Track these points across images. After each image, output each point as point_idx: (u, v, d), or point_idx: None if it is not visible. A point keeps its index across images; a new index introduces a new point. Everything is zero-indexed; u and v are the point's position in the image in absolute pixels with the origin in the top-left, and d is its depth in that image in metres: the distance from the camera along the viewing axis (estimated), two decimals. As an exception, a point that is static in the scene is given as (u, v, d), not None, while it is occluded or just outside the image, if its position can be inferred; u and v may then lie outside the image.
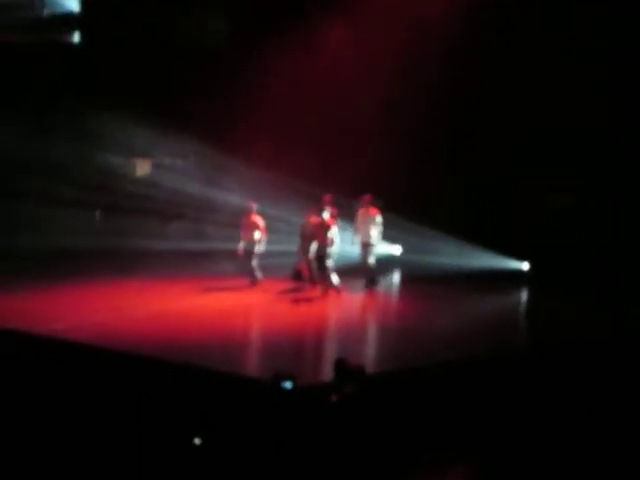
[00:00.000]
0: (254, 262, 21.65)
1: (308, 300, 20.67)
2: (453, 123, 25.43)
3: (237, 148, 26.01)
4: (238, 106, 26.41)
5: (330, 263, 20.99)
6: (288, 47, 26.25)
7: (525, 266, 24.86)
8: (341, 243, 21.52)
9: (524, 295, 23.37)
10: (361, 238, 21.82)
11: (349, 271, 22.14)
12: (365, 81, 26.18)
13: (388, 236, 25.93)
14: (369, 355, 14.83)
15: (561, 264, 23.12)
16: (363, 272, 22.07)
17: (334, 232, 20.93)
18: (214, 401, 12.08)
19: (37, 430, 10.36)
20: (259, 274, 21.84)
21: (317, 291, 21.08)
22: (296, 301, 20.47)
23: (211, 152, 26.22)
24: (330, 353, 16.56)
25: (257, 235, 21.43)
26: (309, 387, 12.44)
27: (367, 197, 21.96)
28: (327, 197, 21.75)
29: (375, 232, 21.76)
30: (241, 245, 21.45)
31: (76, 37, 28.09)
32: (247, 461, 9.57)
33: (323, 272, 20.99)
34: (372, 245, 21.83)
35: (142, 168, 29.83)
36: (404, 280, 25.31)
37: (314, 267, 21.26)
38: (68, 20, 27.93)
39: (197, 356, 15.46)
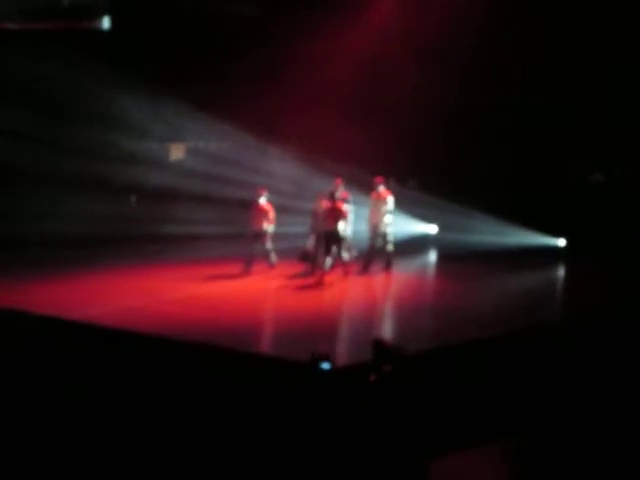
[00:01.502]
0: (268, 245, 21.30)
1: (335, 282, 20.64)
2: (488, 101, 25.28)
3: (274, 129, 25.98)
4: (275, 86, 26.31)
5: (341, 246, 20.71)
6: (328, 22, 26.09)
7: (561, 242, 24.76)
8: (353, 226, 21.39)
9: (560, 272, 23.28)
10: (372, 221, 21.61)
11: (363, 254, 21.89)
12: (403, 57, 25.98)
13: (424, 215, 25.97)
14: (406, 334, 14.78)
15: (597, 240, 23.03)
16: (373, 256, 21.79)
17: (344, 216, 20.66)
18: (253, 384, 12.16)
19: (75, 415, 10.46)
20: (273, 257, 21.53)
21: (318, 276, 20.72)
22: (323, 284, 20.34)
23: (247, 135, 26.16)
24: (365, 333, 16.60)
25: (265, 224, 21.13)
26: (347, 367, 12.51)
27: (378, 179, 21.72)
28: (338, 180, 21.62)
29: (387, 215, 21.55)
30: (249, 232, 21.21)
31: (106, 23, 28.07)
32: (288, 443, 9.63)
33: (334, 255, 20.68)
34: (384, 228, 21.58)
35: (176, 153, 29.93)
36: (440, 258, 25.25)
37: (322, 250, 20.86)
38: (97, 5, 27.88)
39: (230, 339, 15.57)
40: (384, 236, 21.59)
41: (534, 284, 20.72)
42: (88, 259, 22.63)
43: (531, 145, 24.84)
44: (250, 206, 21.46)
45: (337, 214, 20.48)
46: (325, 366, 11.40)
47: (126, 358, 13.70)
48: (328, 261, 20.56)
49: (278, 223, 22.23)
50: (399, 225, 25.65)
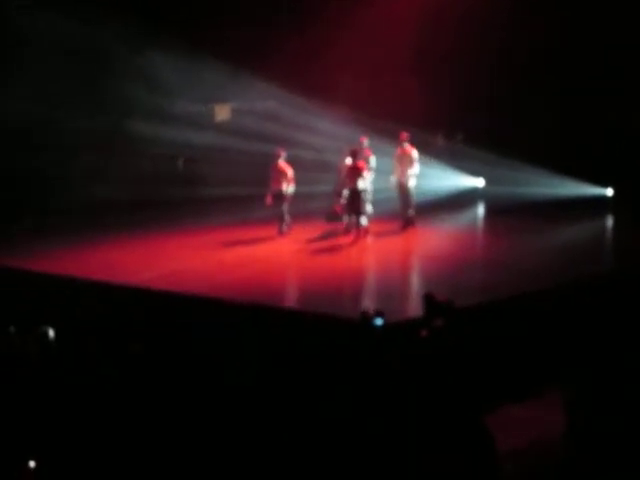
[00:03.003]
0: (284, 207, 21.05)
1: (381, 239, 20.71)
2: (532, 52, 25.08)
3: (319, 87, 25.92)
4: (318, 44, 26.20)
5: (364, 205, 20.60)
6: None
7: (609, 192, 24.61)
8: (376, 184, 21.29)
9: (609, 222, 23.14)
10: (398, 177, 21.40)
11: (387, 212, 21.79)
12: (445, 7, 25.80)
13: (471, 169, 25.91)
14: (455, 289, 14.79)
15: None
16: (401, 211, 21.62)
17: (365, 175, 20.51)
18: (307, 342, 12.32)
19: (130, 377, 10.64)
20: (287, 220, 21.25)
21: (349, 233, 20.72)
22: (364, 240, 20.37)
23: (292, 94, 26.09)
24: (414, 289, 16.72)
25: (285, 185, 20.94)
26: (399, 323, 12.63)
27: (403, 135, 21.48)
28: (361, 138, 21.50)
29: (412, 171, 21.28)
30: (270, 193, 20.99)
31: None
32: (343, 399, 9.77)
33: (355, 214, 20.54)
34: (409, 184, 21.33)
35: (221, 113, 29.98)
36: (487, 212, 25.19)
37: (347, 209, 20.80)
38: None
39: (283, 299, 15.77)
40: (406, 195, 21.41)
41: (583, 235, 20.59)
42: (135, 223, 22.81)
43: (579, 94, 24.60)
44: (270, 167, 21.35)
45: (357, 172, 20.39)
46: (378, 322, 11.54)
47: (181, 320, 13.96)
48: (363, 219, 20.50)
49: (325, 182, 22.32)
50: (446, 179, 25.68)
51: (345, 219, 20.97)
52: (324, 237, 21.01)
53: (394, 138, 21.82)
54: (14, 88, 24.73)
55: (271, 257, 19.31)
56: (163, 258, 19.13)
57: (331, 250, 19.86)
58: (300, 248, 20.10)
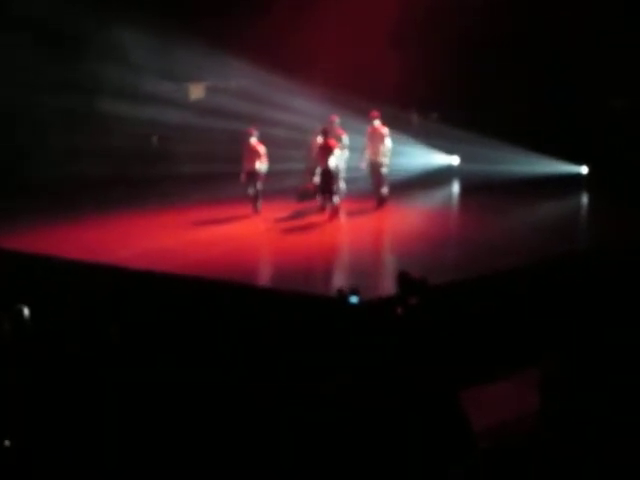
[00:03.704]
0: (258, 185, 20.93)
1: (348, 220, 20.72)
2: (507, 26, 25.08)
3: (293, 65, 25.85)
4: (291, 21, 26.11)
5: (337, 184, 20.53)
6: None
7: (584, 170, 24.71)
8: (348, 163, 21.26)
9: (584, 200, 23.24)
10: (370, 156, 21.23)
11: (361, 190, 21.73)
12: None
13: (445, 147, 25.95)
14: (429, 267, 14.82)
15: (619, 167, 22.98)
16: (374, 191, 21.48)
17: (336, 154, 20.40)
18: (282, 320, 12.34)
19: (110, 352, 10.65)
20: (259, 201, 21.13)
21: (322, 212, 20.62)
22: (339, 219, 20.39)
23: (265, 72, 26.02)
24: (388, 267, 16.75)
25: (258, 164, 20.81)
26: (374, 301, 12.67)
27: (374, 113, 21.32)
28: (332, 117, 21.47)
29: (384, 149, 21.11)
30: (244, 172, 20.87)
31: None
32: (318, 377, 9.81)
33: (327, 193, 20.45)
34: (382, 163, 21.17)
35: (195, 92, 29.90)
36: (462, 190, 25.25)
37: (319, 188, 20.62)
38: None
39: (258, 277, 15.77)
40: (379, 174, 21.27)
41: (557, 213, 20.67)
42: (109, 201, 22.66)
43: (551, 72, 24.68)
44: (241, 146, 21.26)
45: (328, 151, 20.30)
46: (353, 300, 11.58)
47: (157, 299, 13.95)
48: (335, 198, 20.42)
49: (299, 160, 22.27)
50: (420, 157, 25.72)
51: (318, 198, 20.85)
52: (297, 216, 20.93)
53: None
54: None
55: (245, 235, 19.31)
56: (137, 237, 19.09)
57: (304, 229, 19.83)
58: (273, 227, 20.09)
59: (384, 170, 21.30)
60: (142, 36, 26.31)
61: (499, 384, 9.21)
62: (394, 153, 21.63)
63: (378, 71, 25.49)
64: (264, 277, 16.85)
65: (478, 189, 23.39)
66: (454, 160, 26.53)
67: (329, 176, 20.30)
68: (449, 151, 26.23)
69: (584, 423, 8.64)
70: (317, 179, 20.53)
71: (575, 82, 24.44)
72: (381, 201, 21.46)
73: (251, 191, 20.97)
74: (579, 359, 9.54)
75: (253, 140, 21.03)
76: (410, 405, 8.83)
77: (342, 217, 20.54)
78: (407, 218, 20.93)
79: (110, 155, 26.09)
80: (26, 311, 11.04)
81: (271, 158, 21.13)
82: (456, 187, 25.55)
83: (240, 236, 19.16)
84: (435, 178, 25.13)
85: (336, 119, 21.44)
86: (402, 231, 19.51)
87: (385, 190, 21.48)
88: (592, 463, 8.27)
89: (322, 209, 20.70)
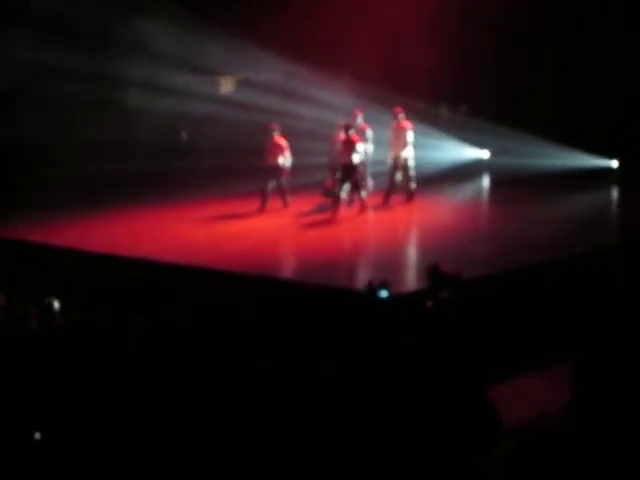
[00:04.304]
0: (283, 181, 20.85)
1: (385, 211, 20.61)
2: (541, 19, 24.90)
3: (324, 59, 25.76)
4: (322, 15, 26.00)
5: (358, 180, 20.29)
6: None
7: (614, 164, 24.54)
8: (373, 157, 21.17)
9: (614, 194, 23.08)
10: (393, 153, 21.06)
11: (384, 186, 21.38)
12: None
13: (475, 140, 25.83)
14: (460, 261, 14.72)
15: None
16: (396, 187, 21.19)
17: (359, 149, 20.16)
18: (311, 314, 12.31)
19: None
20: (280, 194, 21.02)
21: (345, 207, 20.38)
22: (336, 217, 19.96)
23: (294, 65, 25.97)
24: (419, 261, 16.66)
25: (281, 159, 20.66)
26: (404, 295, 12.61)
27: (398, 109, 21.19)
28: (355, 111, 21.39)
29: (408, 144, 20.92)
30: (266, 168, 20.74)
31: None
32: (347, 372, 9.76)
33: (352, 189, 20.30)
34: (405, 159, 20.95)
35: (226, 86, 29.90)
36: (492, 184, 25.14)
37: (340, 184, 20.25)
38: None
39: (284, 271, 15.73)
40: (405, 169, 21.05)
41: (588, 207, 20.55)
42: (138, 195, 22.66)
43: (585, 66, 24.48)
44: (264, 141, 21.14)
45: (351, 147, 20.07)
46: (383, 294, 11.51)
47: (184, 292, 13.94)
48: (343, 194, 20.26)
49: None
50: (449, 151, 25.62)
51: (339, 194, 20.35)
52: (323, 210, 20.67)
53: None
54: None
55: (272, 230, 19.24)
56: (163, 230, 19.09)
57: (333, 223, 19.69)
58: (301, 221, 19.98)
59: (410, 165, 21.08)
60: (172, 29, 26.36)
61: (529, 379, 9.15)
62: (423, 146, 21.58)
63: (408, 64, 25.36)
64: (291, 271, 16.80)
65: (508, 183, 23.29)
66: (484, 154, 26.41)
67: (354, 171, 20.11)
68: (479, 145, 26.11)
69: (615, 418, 8.56)
70: (339, 175, 20.29)
71: (610, 75, 24.18)
72: (410, 196, 21.30)
73: (270, 186, 20.79)
74: (609, 351, 9.43)
75: (276, 135, 20.94)
76: (440, 399, 8.77)
77: (370, 212, 20.45)
78: (437, 212, 20.84)
79: (137, 149, 26.12)
80: (56, 304, 11.07)
81: (300, 152, 21.06)
82: (486, 181, 25.44)
83: (266, 230, 19.10)
84: (465, 172, 25.03)
85: (359, 114, 21.34)
86: (432, 225, 19.41)
87: (413, 185, 21.28)
88: (619, 459, 8.18)
89: (343, 204, 20.44)
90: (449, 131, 25.77)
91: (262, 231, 18.98)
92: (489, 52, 25.14)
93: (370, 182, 21.19)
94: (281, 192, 21.04)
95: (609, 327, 10.02)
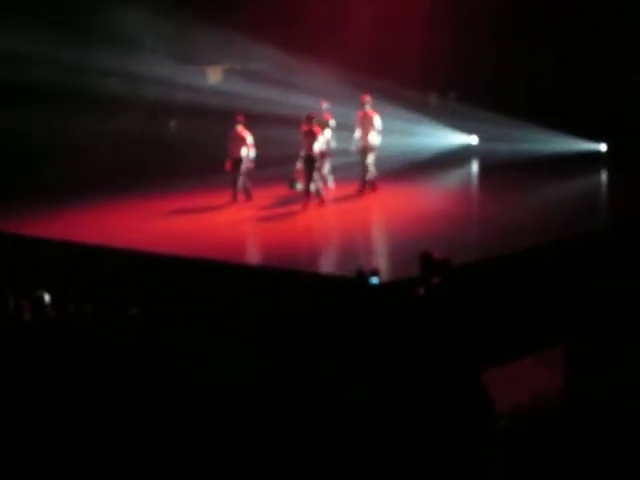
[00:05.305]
0: (242, 176, 20.53)
1: (366, 202, 20.53)
2: (527, 9, 24.90)
3: (310, 47, 25.70)
4: (307, 5, 25.98)
5: (321, 170, 20.15)
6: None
7: (603, 147, 24.57)
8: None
9: (603, 177, 23.10)
10: (360, 141, 20.78)
11: (350, 174, 21.24)
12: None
13: (464, 126, 25.84)
14: (451, 247, 14.70)
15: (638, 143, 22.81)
16: (362, 175, 20.92)
17: (320, 140, 19.87)
18: (302, 302, 12.31)
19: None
20: (242, 188, 20.63)
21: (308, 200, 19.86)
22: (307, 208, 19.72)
23: (284, 57, 25.88)
24: (409, 247, 16.63)
25: (244, 151, 20.43)
26: (395, 281, 12.61)
27: (365, 97, 20.94)
28: (321, 101, 21.13)
29: (374, 134, 20.66)
30: (229, 160, 20.49)
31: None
32: (338, 359, 9.76)
33: (309, 179, 19.81)
34: (371, 148, 20.68)
35: (214, 76, 29.82)
36: (482, 169, 25.14)
37: (303, 174, 19.94)
38: None
39: (276, 259, 15.69)
40: (368, 158, 20.72)
41: (577, 191, 20.57)
42: (128, 185, 22.46)
43: (573, 50, 24.50)
44: (229, 133, 20.87)
45: (313, 137, 19.81)
46: (374, 281, 11.52)
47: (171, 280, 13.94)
48: (312, 186, 19.87)
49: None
50: (438, 137, 25.62)
51: (308, 186, 19.92)
52: (289, 203, 20.40)
53: (391, 97, 21.66)
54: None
55: (254, 221, 19.14)
56: (153, 222, 19.04)
57: (321, 214, 19.66)
58: (280, 212, 19.82)
59: (373, 155, 20.76)
60: (159, 20, 26.28)
61: (522, 363, 9.16)
62: (413, 134, 21.54)
63: (398, 51, 25.32)
64: (279, 260, 16.68)
65: (497, 168, 23.27)
66: (473, 140, 26.43)
67: (312, 162, 19.78)
68: (468, 130, 26.12)
69: (609, 402, 8.58)
70: (299, 166, 19.99)
71: (595, 58, 24.21)
72: (371, 186, 20.95)
73: (237, 179, 20.55)
74: (604, 335, 9.46)
75: (239, 127, 20.62)
76: (432, 385, 8.79)
77: (358, 200, 20.32)
78: (427, 198, 20.84)
79: (124, 140, 26.01)
80: (47, 297, 11.04)
81: (284, 141, 20.83)
82: (475, 167, 25.44)
83: (242, 222, 19.01)
84: (454, 158, 25.02)
85: (325, 104, 21.06)
86: (422, 211, 19.38)
87: (370, 175, 20.90)
88: (613, 443, 8.21)
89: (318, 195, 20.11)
90: (437, 117, 25.77)
91: (236, 223, 18.85)
92: (478, 39, 25.12)
93: (328, 172, 20.92)
94: (244, 185, 20.69)
95: (602, 311, 10.06)
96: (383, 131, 21.04)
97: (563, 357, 8.62)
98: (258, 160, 20.67)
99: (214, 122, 25.48)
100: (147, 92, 26.89)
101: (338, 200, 20.44)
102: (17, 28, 24.95)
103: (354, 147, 20.89)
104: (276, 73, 26.44)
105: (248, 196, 20.71)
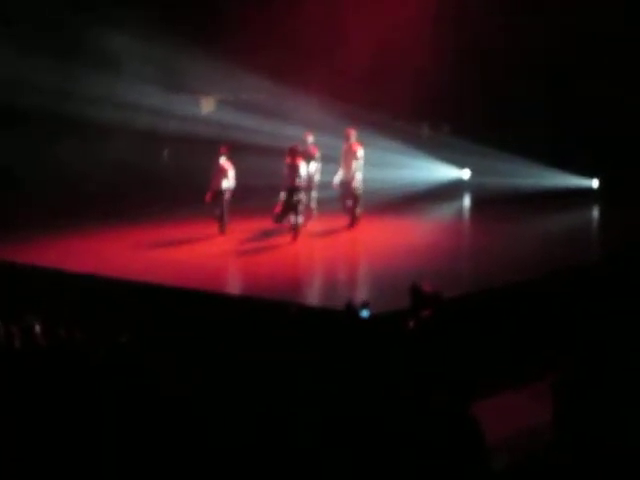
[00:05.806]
0: (221, 208, 20.27)
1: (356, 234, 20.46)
2: (520, 42, 25.02)
3: (301, 79, 25.80)
4: (297, 34, 26.07)
5: (304, 202, 19.89)
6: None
7: (595, 183, 24.67)
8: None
9: (595, 213, 23.19)
10: (343, 175, 20.47)
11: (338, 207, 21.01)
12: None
13: (456, 160, 25.92)
14: (442, 280, 14.67)
15: (630, 179, 22.89)
16: (352, 208, 20.58)
17: (303, 172, 19.62)
18: (291, 334, 12.29)
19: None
20: (219, 218, 20.33)
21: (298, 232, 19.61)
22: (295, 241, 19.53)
23: (276, 87, 25.98)
24: (400, 280, 16.62)
25: (225, 183, 20.20)
26: (385, 314, 12.60)
27: (350, 131, 20.67)
28: (306, 134, 20.94)
29: (357, 168, 20.33)
30: (210, 191, 20.26)
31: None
32: (329, 390, 9.75)
33: (291, 212, 19.56)
34: (354, 182, 20.32)
35: (207, 106, 29.96)
36: (474, 203, 25.20)
37: (286, 207, 19.59)
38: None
39: (264, 290, 15.65)
40: (353, 192, 20.43)
41: (569, 226, 20.63)
42: (122, 212, 22.44)
43: (565, 86, 24.62)
44: (213, 165, 20.67)
45: (295, 170, 19.62)
46: (364, 313, 11.51)
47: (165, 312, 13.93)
48: (296, 218, 19.56)
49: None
50: (431, 171, 25.70)
51: (296, 220, 19.67)
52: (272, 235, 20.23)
53: (382, 129, 21.70)
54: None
55: (244, 252, 19.11)
56: (149, 249, 19.02)
57: (315, 246, 19.68)
58: (270, 244, 19.68)
59: (357, 189, 20.50)
60: (152, 50, 26.39)
61: (512, 395, 9.17)
62: (404, 166, 21.57)
63: (389, 83, 25.41)
64: (267, 292, 16.60)
65: (489, 202, 23.34)
66: (465, 174, 26.51)
67: (293, 195, 19.57)
68: (460, 164, 26.20)
69: (598, 430, 8.59)
70: (282, 198, 19.65)
71: (588, 95, 24.29)
72: (354, 221, 20.67)
73: (217, 211, 20.37)
74: (590, 366, 9.48)
75: (222, 159, 20.46)
76: (422, 418, 8.77)
77: (348, 232, 20.29)
78: (418, 231, 20.85)
79: (116, 168, 26.05)
80: (37, 327, 11.00)
81: (277, 173, 20.66)
82: (467, 200, 25.50)
83: (246, 250, 19.02)
84: (446, 192, 25.09)
85: (310, 136, 20.91)
86: (413, 244, 19.37)
87: (358, 210, 20.67)
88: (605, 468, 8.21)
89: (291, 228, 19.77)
90: (431, 150, 25.85)
91: (225, 253, 18.83)
92: (472, 73, 25.25)
93: (314, 204, 20.81)
94: (221, 215, 20.45)
95: (591, 343, 10.07)
96: (374, 164, 21.08)
97: (552, 388, 8.61)
98: (251, 190, 20.71)
99: (206, 151, 25.59)
100: (141, 121, 26.99)
101: (327, 232, 20.41)
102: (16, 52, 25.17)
103: (336, 181, 20.60)
104: (269, 104, 26.55)
105: (222, 229, 20.41)
